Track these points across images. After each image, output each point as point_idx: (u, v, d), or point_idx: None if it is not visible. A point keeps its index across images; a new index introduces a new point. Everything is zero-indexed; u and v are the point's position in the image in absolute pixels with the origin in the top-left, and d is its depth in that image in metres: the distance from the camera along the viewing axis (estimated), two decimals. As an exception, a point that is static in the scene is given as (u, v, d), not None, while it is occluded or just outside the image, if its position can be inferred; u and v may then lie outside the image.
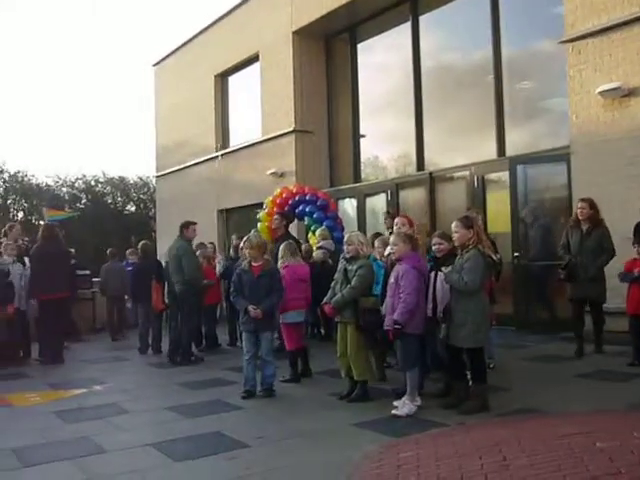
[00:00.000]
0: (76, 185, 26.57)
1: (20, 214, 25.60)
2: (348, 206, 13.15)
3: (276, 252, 7.28)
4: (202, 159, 16.66)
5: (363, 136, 13.68)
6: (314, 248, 9.65)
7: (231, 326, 9.73)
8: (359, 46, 13.68)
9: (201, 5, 50.75)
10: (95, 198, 26.35)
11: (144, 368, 8.65)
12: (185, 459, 4.38)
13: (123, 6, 55.78)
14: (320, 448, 4.50)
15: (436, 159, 12.05)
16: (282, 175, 13.75)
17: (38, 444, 4.93)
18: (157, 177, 19.86)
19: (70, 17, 54.45)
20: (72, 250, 11.56)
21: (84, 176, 26.57)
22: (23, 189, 25.57)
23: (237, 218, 15.73)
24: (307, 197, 10.82)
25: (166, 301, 9.00)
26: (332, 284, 6.00)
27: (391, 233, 6.65)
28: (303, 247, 9.40)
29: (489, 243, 5.71)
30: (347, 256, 5.84)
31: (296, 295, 6.79)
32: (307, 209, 10.70)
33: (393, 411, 5.20)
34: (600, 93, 8.41)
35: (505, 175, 9.97)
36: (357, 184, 13.32)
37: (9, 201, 25.66)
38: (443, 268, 5.32)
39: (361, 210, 12.79)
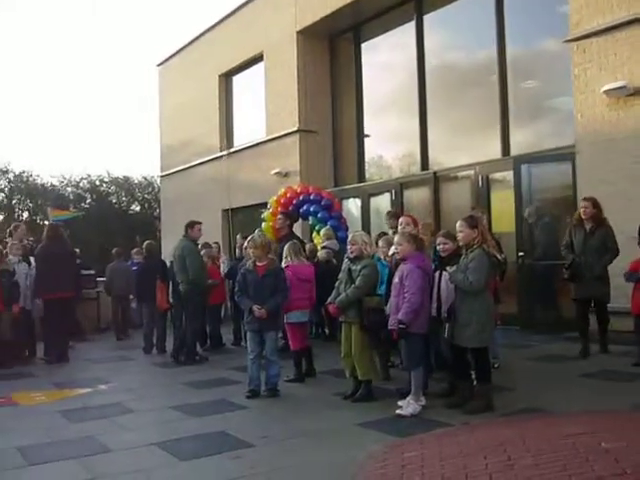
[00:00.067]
0: (81, 185, 26.58)
1: (25, 214, 25.63)
2: (352, 206, 13.13)
3: (280, 252, 7.28)
4: (207, 159, 16.67)
5: (367, 136, 13.67)
6: (318, 248, 9.64)
7: (235, 326, 9.74)
8: (363, 45, 13.68)
9: (205, 5, 50.88)
10: (100, 198, 26.33)
11: (149, 368, 8.66)
12: (190, 458, 4.38)
13: (128, 6, 55.93)
14: (324, 448, 4.50)
15: (440, 159, 12.03)
16: (286, 175, 13.75)
17: (43, 443, 4.94)
18: (162, 177, 19.88)
19: (74, 16, 54.58)
20: (77, 250, 11.60)
21: (89, 176, 26.59)
22: (28, 189, 25.58)
23: (241, 218, 15.74)
24: (311, 197, 10.80)
25: (171, 301, 9.02)
26: (336, 284, 5.99)
27: (394, 233, 6.65)
28: (307, 247, 9.40)
29: (494, 243, 5.71)
30: (351, 256, 5.84)
31: (300, 295, 6.79)
32: (311, 209, 10.68)
33: (397, 411, 5.20)
34: (605, 92, 8.38)
35: (510, 174, 9.94)
36: (361, 184, 13.31)
37: (14, 201, 25.66)
38: (448, 268, 5.33)
39: (365, 210, 12.77)
